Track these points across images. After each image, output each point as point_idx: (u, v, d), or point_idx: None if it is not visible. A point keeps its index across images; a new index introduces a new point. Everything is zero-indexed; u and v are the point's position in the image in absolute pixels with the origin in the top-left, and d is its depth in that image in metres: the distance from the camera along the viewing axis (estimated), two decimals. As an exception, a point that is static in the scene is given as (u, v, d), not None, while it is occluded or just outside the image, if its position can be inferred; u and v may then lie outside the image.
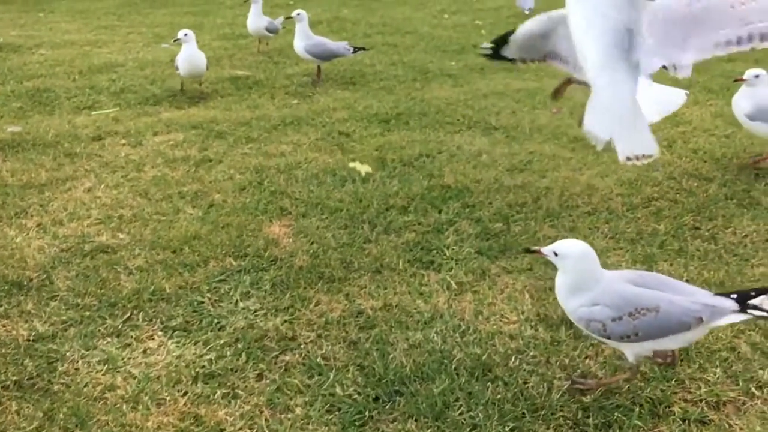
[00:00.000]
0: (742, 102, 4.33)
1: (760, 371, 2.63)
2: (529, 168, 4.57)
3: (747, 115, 4.29)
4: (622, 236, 3.66)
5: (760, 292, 2.29)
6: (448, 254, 3.52)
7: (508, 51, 4.04)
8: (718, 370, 2.64)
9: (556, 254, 2.41)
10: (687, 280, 3.22)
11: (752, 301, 2.28)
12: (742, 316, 2.28)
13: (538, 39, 3.90)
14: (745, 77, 4.30)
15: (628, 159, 3.25)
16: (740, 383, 2.58)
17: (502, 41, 4.03)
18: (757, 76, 4.26)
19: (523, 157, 4.74)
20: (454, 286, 3.24)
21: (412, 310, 3.07)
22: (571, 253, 2.39)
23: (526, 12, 9.40)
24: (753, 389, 2.56)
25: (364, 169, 3.21)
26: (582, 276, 2.39)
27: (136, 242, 3.63)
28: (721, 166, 4.51)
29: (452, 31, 8.92)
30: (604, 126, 3.25)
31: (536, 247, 2.52)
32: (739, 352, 2.74)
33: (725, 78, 6.45)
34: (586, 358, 2.73)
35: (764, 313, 2.26)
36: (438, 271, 3.39)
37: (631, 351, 2.43)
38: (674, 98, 3.57)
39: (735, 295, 2.31)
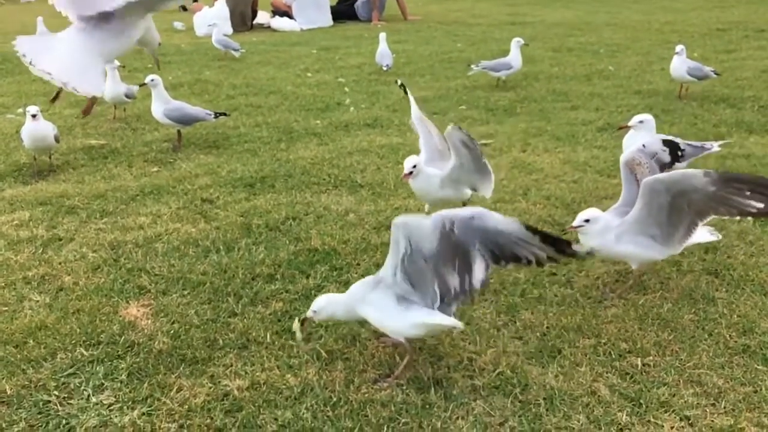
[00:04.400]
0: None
1: (619, 413, 2.74)
2: (395, 224, 4.61)
3: None
4: (485, 287, 3.75)
5: None
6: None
7: None
8: (581, 416, 2.73)
9: (315, 312, 3.04)
10: (548, 327, 3.35)
11: None
12: None
13: None
14: (630, 124, 4.67)
15: None
16: (602, 427, 2.67)
17: None
18: (641, 122, 4.63)
19: (389, 214, 4.78)
20: (324, 355, 3.17)
21: (281, 386, 2.95)
22: (321, 303, 3.05)
23: (384, 68, 9.69)
24: (614, 432, 2.66)
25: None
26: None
27: (-29, 339, 3.28)
28: (571, 211, 4.76)
29: (316, 90, 9.00)
30: None
31: (304, 315, 3.14)
32: (599, 396, 2.85)
33: (570, 125, 6.93)
34: (457, 418, 2.73)
35: None
36: (307, 340, 3.30)
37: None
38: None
39: None
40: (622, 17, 15.61)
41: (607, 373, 2.99)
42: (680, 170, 3.18)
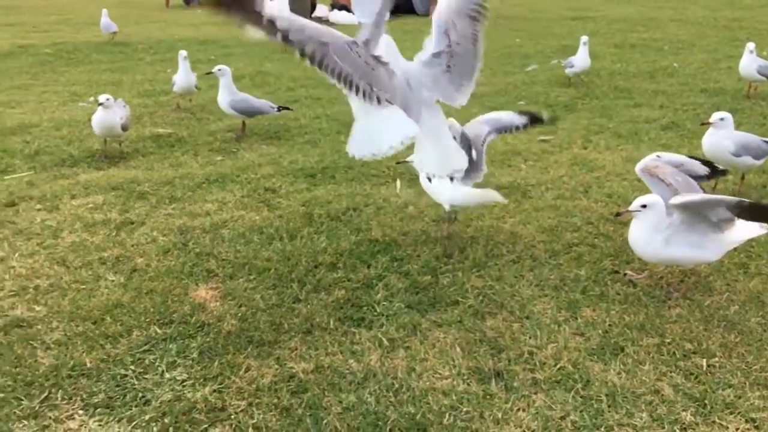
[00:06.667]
0: (724, 142, 4.73)
1: (683, 413, 2.72)
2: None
3: (733, 153, 4.72)
4: (546, 283, 3.75)
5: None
6: (378, 310, 3.52)
7: None
8: (644, 414, 2.72)
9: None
10: (610, 325, 3.34)
11: None
12: None
13: None
14: (711, 121, 4.75)
15: None
16: (666, 426, 2.66)
17: None
18: (722, 119, 4.72)
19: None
20: (386, 343, 3.24)
21: (344, 370, 3.04)
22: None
23: (530, 68, 9.63)
24: None
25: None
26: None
27: (53, 314, 3.47)
28: (634, 210, 4.71)
29: (374, 83, 9.08)
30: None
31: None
32: (662, 395, 2.83)
33: (633, 123, 6.82)
34: (518, 410, 2.76)
35: None
36: (369, 328, 3.38)
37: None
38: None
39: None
40: (688, 13, 15.20)
41: (671, 372, 2.97)
42: (708, 195, 3.39)
